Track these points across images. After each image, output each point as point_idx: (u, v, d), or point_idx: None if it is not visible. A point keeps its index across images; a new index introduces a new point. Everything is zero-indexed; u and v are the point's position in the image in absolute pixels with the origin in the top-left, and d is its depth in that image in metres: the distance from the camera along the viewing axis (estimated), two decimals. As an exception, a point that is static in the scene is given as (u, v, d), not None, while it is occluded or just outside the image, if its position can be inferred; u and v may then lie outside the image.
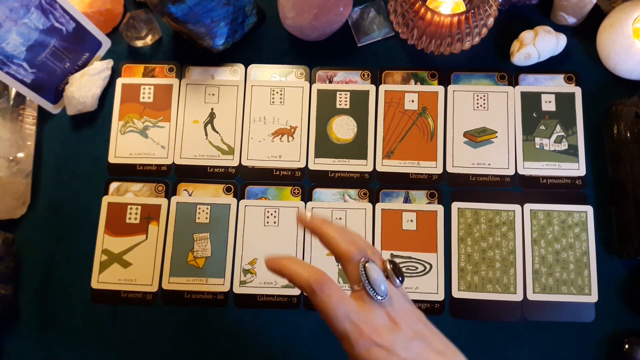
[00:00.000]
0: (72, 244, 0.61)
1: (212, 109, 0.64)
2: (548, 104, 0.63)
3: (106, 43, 0.66)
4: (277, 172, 0.62)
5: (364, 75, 0.65)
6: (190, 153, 0.63)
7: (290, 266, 0.36)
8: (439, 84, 0.64)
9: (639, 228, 0.56)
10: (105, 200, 0.62)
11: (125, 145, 0.64)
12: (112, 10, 0.65)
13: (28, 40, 0.57)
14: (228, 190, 0.62)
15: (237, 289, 0.59)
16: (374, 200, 0.61)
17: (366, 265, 0.35)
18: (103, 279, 0.60)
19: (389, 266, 0.37)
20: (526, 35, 0.62)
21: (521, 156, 0.62)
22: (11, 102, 0.63)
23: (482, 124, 0.63)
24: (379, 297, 0.35)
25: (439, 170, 0.62)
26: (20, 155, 0.62)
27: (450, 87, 0.64)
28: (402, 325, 0.35)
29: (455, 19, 0.57)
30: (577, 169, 0.61)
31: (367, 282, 0.35)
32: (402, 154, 0.62)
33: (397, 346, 0.34)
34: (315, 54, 0.65)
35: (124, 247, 0.61)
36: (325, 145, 0.63)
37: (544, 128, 0.62)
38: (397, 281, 0.36)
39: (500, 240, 0.60)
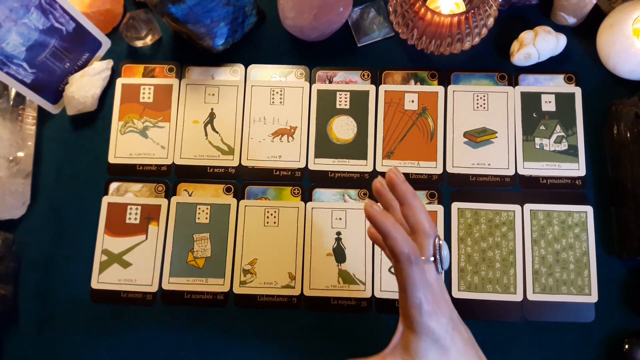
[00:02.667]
0: (72, 244, 0.61)
1: (212, 109, 0.65)
2: (548, 104, 0.63)
3: (106, 43, 0.66)
4: (277, 172, 0.62)
5: (364, 75, 0.65)
6: (190, 153, 0.63)
7: (394, 233, 0.39)
8: (439, 84, 0.64)
9: (639, 228, 0.56)
10: (105, 200, 0.62)
11: (125, 145, 0.64)
12: (112, 10, 0.65)
13: (28, 41, 0.57)
14: (228, 190, 0.62)
15: (237, 289, 0.59)
16: (374, 200, 0.61)
17: (440, 243, 0.42)
18: (103, 279, 0.60)
19: None
20: (526, 35, 0.62)
21: (521, 156, 0.62)
22: (11, 102, 0.63)
23: (482, 124, 0.63)
24: (441, 270, 0.42)
25: (439, 171, 0.62)
26: (20, 155, 0.62)
27: (450, 87, 0.64)
28: (445, 295, 0.41)
29: (455, 19, 0.57)
30: (577, 169, 0.61)
31: (439, 256, 0.41)
32: (402, 154, 0.62)
33: (445, 313, 0.40)
34: (315, 54, 0.65)
35: (124, 247, 0.61)
36: (325, 146, 0.63)
37: (544, 128, 0.62)
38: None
39: (500, 240, 0.60)
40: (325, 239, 0.60)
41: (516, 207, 0.60)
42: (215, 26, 0.60)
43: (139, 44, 0.66)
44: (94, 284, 0.60)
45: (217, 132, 0.64)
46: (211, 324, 0.59)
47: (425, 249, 0.42)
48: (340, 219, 0.61)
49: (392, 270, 0.59)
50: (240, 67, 0.66)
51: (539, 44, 0.61)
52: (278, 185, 0.62)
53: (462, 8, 0.62)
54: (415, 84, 0.64)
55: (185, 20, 0.56)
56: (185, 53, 0.66)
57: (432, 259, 0.41)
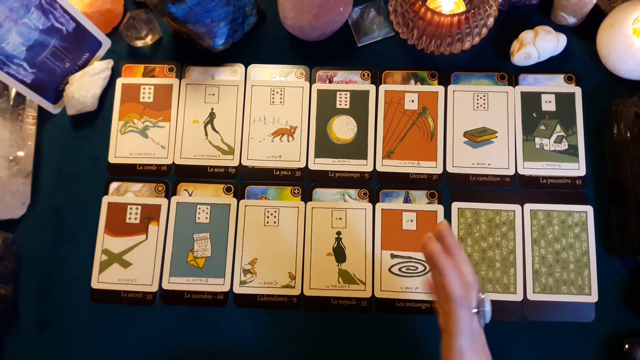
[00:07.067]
0: (72, 244, 0.61)
1: (212, 109, 0.64)
2: (548, 104, 0.63)
3: (106, 43, 0.66)
4: (277, 172, 0.62)
5: (364, 75, 0.65)
6: (190, 153, 0.63)
7: (452, 274, 0.42)
8: (439, 84, 0.64)
9: (639, 228, 0.56)
10: (105, 200, 0.62)
11: (125, 145, 0.64)
12: (112, 10, 0.65)
13: (28, 40, 0.57)
14: (228, 190, 0.62)
15: (237, 289, 0.59)
16: (374, 200, 0.61)
17: (483, 297, 0.44)
18: (103, 279, 0.60)
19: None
20: (526, 35, 0.62)
21: (521, 156, 0.62)
22: (11, 102, 0.63)
23: (482, 124, 0.63)
24: (483, 323, 0.44)
25: (439, 170, 0.62)
26: (20, 155, 0.62)
27: (450, 87, 0.64)
28: (486, 349, 0.44)
29: (455, 19, 0.57)
30: (577, 169, 0.61)
31: (482, 310, 0.44)
32: (402, 154, 0.62)
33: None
34: (315, 54, 0.65)
35: (124, 247, 0.61)
36: (325, 145, 0.63)
37: (544, 128, 0.62)
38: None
39: (500, 240, 0.60)
40: (325, 238, 0.60)
41: (516, 207, 0.60)
42: (215, 26, 0.60)
43: (139, 43, 0.66)
44: (94, 284, 0.60)
45: (217, 132, 0.64)
46: (211, 324, 0.59)
47: (470, 301, 0.43)
48: (340, 218, 0.61)
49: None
50: (240, 67, 0.66)
51: (539, 43, 0.61)
52: (278, 185, 0.62)
53: (462, 8, 0.62)
54: (415, 83, 0.64)
55: (185, 20, 0.56)
56: (185, 53, 0.66)
57: (476, 310, 0.43)
